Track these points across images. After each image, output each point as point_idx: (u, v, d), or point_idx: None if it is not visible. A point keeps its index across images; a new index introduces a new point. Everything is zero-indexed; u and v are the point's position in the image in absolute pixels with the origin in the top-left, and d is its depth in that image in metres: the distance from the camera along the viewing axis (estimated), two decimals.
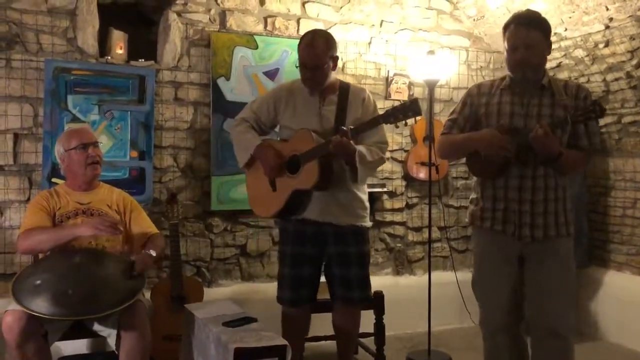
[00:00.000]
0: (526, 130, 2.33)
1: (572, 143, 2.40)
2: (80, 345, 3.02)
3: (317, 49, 2.63)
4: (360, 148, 2.58)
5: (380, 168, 4.16)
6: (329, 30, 3.98)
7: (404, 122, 2.42)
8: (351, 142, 2.50)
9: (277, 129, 2.94)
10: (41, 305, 2.36)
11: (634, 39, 3.44)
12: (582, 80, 3.91)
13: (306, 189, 2.59)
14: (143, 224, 2.89)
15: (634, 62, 3.55)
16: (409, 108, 2.37)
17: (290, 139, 2.71)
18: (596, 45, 3.65)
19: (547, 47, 2.41)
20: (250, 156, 2.76)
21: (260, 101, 2.87)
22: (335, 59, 2.71)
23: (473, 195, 2.61)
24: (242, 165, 2.86)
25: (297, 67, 2.72)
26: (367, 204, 2.81)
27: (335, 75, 2.78)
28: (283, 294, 2.80)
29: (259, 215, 2.95)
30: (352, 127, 2.51)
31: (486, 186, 2.51)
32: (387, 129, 4.13)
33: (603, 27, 3.52)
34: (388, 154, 4.20)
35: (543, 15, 2.48)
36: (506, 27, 2.43)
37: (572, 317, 2.48)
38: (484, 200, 2.52)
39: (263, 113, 2.81)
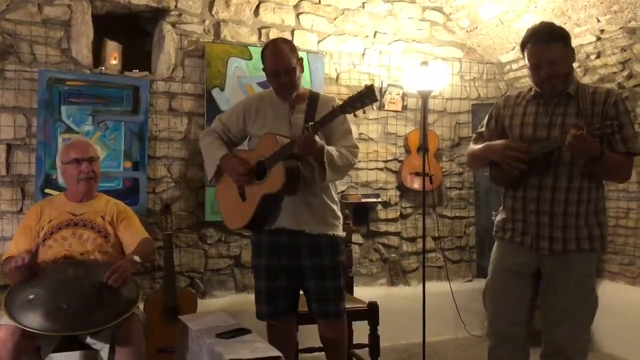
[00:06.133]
0: (546, 141, 2.29)
1: (609, 150, 2.29)
2: (72, 358, 2.99)
3: (285, 52, 2.66)
4: (330, 148, 2.57)
5: (374, 178, 4.20)
6: (323, 42, 4.03)
7: (362, 110, 2.41)
8: (316, 138, 2.47)
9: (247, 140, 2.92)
10: (35, 321, 2.32)
11: (624, 51, 3.47)
12: None
13: (273, 192, 2.56)
14: (133, 230, 2.85)
15: (625, 73, 3.58)
16: (365, 95, 2.35)
17: (256, 146, 2.70)
18: (588, 56, 3.68)
19: (571, 54, 2.34)
20: (217, 168, 2.74)
21: (230, 112, 2.87)
22: (301, 61, 2.74)
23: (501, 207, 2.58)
24: (210, 178, 2.83)
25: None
26: (339, 213, 2.78)
27: (303, 86, 2.78)
28: (260, 309, 2.76)
29: (232, 228, 2.91)
30: (311, 122, 2.48)
31: (507, 197, 2.48)
32: (380, 139, 4.19)
33: (594, 39, 3.55)
34: (382, 164, 4.24)
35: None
36: (524, 46, 2.36)
37: (584, 338, 2.38)
38: (505, 211, 2.49)
39: (232, 124, 2.81)
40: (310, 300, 2.77)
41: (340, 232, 2.78)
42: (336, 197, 2.82)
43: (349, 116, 2.58)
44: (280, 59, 2.64)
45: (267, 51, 2.70)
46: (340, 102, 2.81)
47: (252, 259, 2.87)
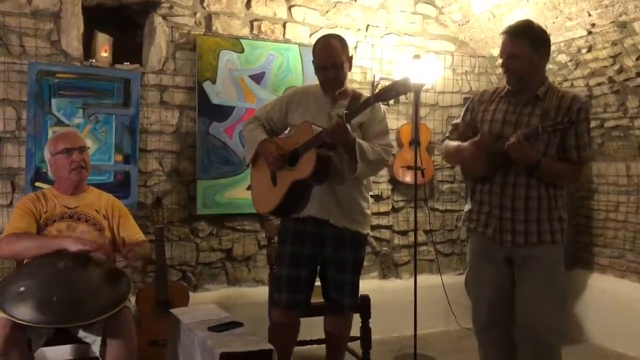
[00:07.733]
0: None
1: (562, 156, 2.41)
2: (63, 351, 2.98)
3: (335, 48, 2.70)
4: (362, 142, 2.60)
5: None
6: (315, 35, 4.02)
7: (396, 99, 2.47)
8: (348, 128, 2.50)
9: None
10: (25, 313, 2.31)
11: (615, 45, 3.49)
12: (565, 85, 3.95)
13: (303, 178, 2.59)
14: (130, 230, 2.87)
15: (616, 67, 3.59)
16: (400, 85, 2.41)
17: (293, 134, 2.75)
18: (579, 50, 3.69)
19: (537, 55, 2.39)
20: (254, 152, 2.79)
21: (274, 101, 2.94)
22: (350, 59, 2.77)
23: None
24: (247, 163, 2.91)
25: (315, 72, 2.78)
26: (368, 211, 2.81)
27: (349, 85, 2.83)
28: (280, 297, 2.77)
29: (260, 212, 2.94)
30: (345, 111, 2.53)
31: (475, 190, 2.57)
32: None
33: (586, 33, 3.56)
34: None
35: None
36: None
37: (558, 324, 2.47)
38: (472, 203, 2.59)
39: (275, 113, 2.86)
40: (327, 289, 2.80)
41: (365, 230, 2.80)
42: (367, 195, 2.83)
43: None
44: (329, 54, 2.69)
45: (318, 45, 2.76)
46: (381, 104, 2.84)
47: (277, 245, 2.88)
